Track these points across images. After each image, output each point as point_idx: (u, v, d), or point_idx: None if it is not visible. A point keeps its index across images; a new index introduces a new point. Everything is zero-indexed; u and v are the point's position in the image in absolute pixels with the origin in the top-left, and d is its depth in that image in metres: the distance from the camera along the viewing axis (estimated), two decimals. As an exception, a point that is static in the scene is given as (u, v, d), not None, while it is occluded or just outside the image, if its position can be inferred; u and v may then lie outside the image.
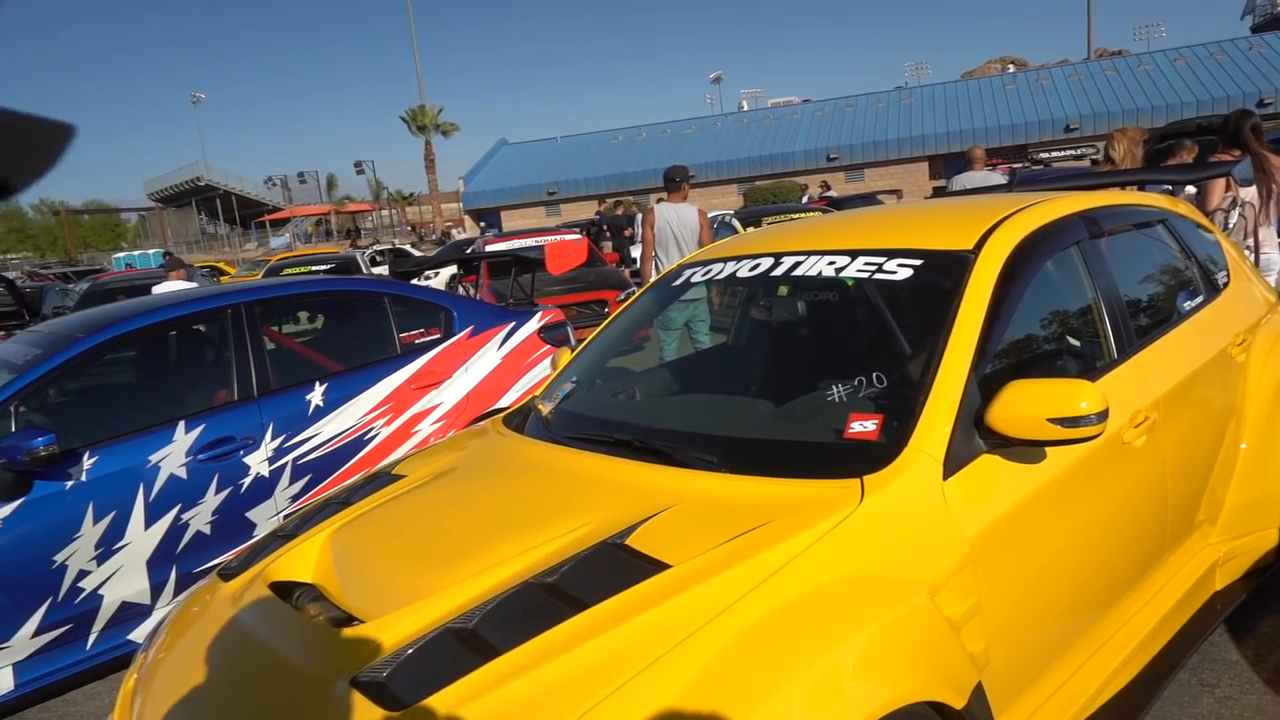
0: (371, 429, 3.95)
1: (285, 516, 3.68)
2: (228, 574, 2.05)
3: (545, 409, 2.63)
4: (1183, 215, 3.03)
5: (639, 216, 13.00)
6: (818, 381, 2.29)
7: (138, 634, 3.30)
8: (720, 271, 2.73)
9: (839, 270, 2.36)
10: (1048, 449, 1.88)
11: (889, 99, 41.63)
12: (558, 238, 10.37)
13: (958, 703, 1.52)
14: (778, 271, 2.51)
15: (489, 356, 4.45)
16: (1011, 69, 56.57)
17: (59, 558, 3.09)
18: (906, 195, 27.15)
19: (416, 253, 21.58)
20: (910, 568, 1.62)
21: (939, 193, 22.39)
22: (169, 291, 7.65)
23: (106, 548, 3.19)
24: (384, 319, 4.25)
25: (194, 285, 9.38)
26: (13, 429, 3.11)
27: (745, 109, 51.37)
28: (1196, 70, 35.33)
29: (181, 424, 3.44)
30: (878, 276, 2.27)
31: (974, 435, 1.85)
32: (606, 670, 1.35)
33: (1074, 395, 1.75)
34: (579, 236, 11.06)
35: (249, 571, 2.01)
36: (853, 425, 1.94)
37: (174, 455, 3.38)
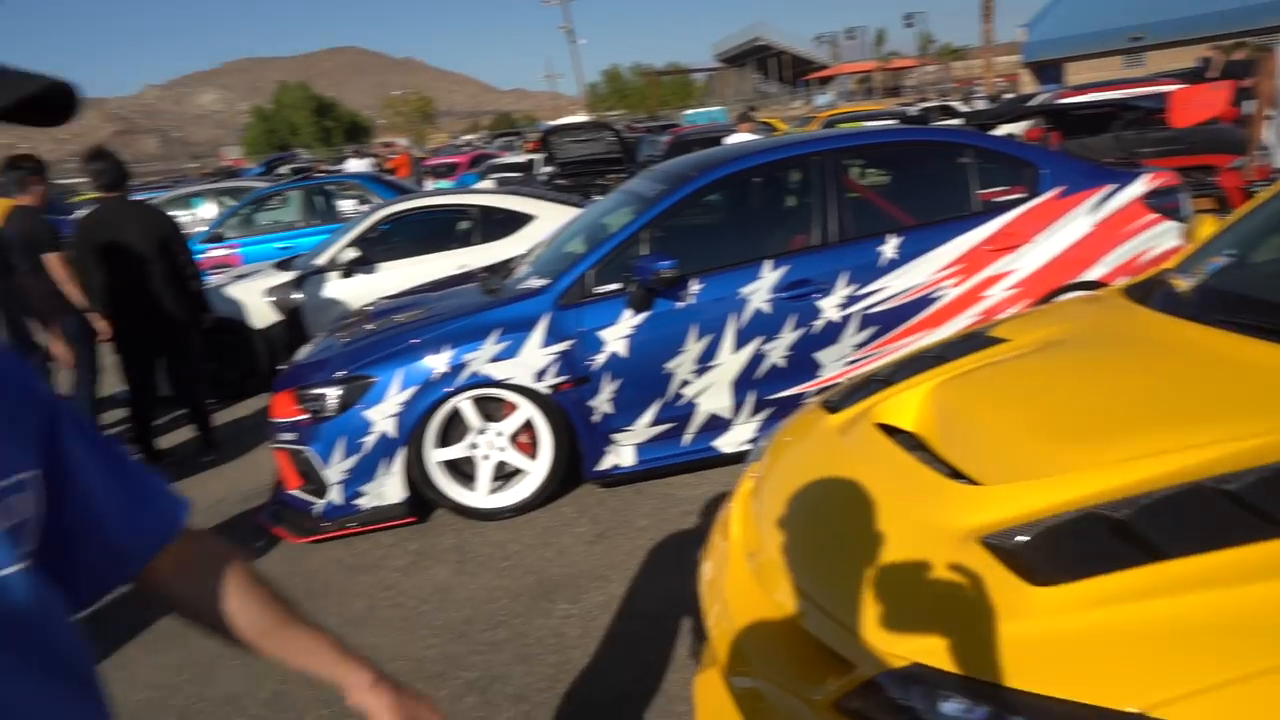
0: (939, 288, 3.82)
1: (849, 364, 3.83)
2: (831, 406, 2.16)
3: (1184, 285, 2.20)
4: None
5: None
6: None
7: (719, 442, 3.80)
8: None
9: None
10: None
11: None
12: (1159, 90, 8.64)
13: None
14: None
15: (1079, 221, 3.93)
16: None
17: (668, 366, 3.64)
18: None
19: (966, 108, 20.14)
20: None
21: None
22: (741, 141, 8.30)
23: (703, 365, 3.67)
24: (964, 173, 3.99)
25: (759, 138, 10.10)
26: (642, 253, 3.68)
27: None
28: None
29: (769, 263, 3.71)
30: None
31: None
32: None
33: None
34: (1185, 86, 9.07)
35: (852, 408, 2.08)
36: None
37: (760, 291, 3.68)
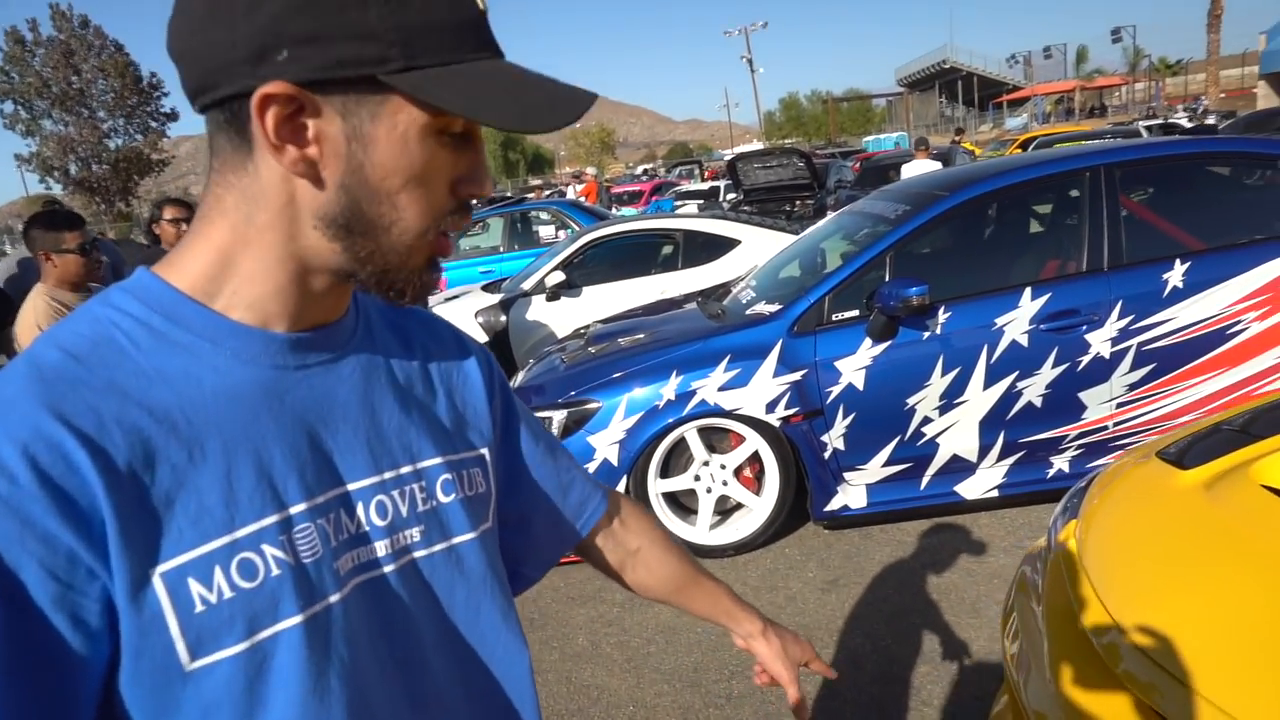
0: (1239, 321, 3.27)
1: (1118, 406, 3.36)
2: (1174, 460, 1.79)
3: None
4: None
5: None
6: None
7: (961, 487, 3.42)
8: None
9: None
10: None
11: None
12: None
13: None
14: None
15: None
16: None
17: (910, 401, 3.32)
18: None
19: (1189, 125, 18.24)
20: None
21: None
22: (921, 172, 7.83)
23: (948, 401, 3.32)
24: (1274, 188, 3.42)
25: (938, 166, 9.53)
26: (885, 278, 3.39)
27: None
28: None
29: (1028, 290, 3.32)
30: None
31: None
32: None
33: None
34: None
35: (1211, 464, 1.70)
36: None
37: (1018, 321, 3.29)
